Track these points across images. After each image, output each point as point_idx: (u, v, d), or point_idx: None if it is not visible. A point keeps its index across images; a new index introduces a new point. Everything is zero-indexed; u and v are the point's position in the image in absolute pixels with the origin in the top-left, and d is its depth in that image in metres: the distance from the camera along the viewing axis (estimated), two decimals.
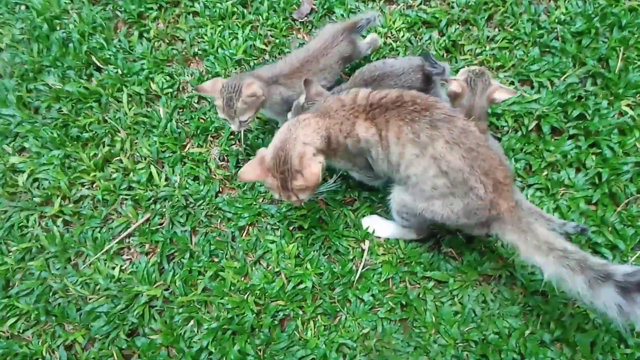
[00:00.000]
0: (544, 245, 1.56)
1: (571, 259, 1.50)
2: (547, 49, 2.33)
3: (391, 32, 2.50)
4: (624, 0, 2.35)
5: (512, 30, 2.40)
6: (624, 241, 1.95)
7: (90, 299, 2.22)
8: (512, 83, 2.29)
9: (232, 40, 2.61)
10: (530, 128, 2.19)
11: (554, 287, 1.56)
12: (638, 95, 2.17)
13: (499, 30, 2.43)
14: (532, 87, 2.28)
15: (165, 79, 2.58)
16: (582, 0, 2.39)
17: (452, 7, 2.51)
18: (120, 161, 2.45)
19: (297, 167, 1.78)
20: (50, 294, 2.25)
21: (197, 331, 2.10)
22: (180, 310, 2.14)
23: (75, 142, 2.49)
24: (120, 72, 2.61)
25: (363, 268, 2.10)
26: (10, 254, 2.35)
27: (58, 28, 2.80)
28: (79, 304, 2.22)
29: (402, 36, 2.48)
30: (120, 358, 2.11)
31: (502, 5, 2.45)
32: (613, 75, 2.20)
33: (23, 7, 2.93)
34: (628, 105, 2.16)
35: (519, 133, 2.20)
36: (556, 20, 2.36)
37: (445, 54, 2.42)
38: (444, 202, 1.69)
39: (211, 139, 2.47)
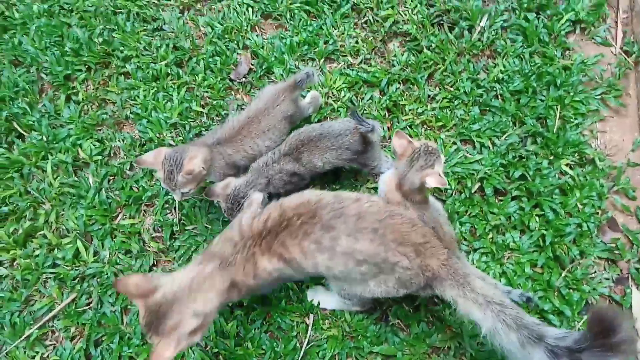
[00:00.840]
0: (482, 299, 1.60)
1: (508, 315, 1.55)
2: (487, 108, 2.46)
3: (332, 92, 2.59)
4: (558, 59, 2.51)
5: (452, 89, 2.53)
6: (569, 306, 2.02)
7: None
8: (454, 143, 2.39)
9: (166, 102, 2.64)
10: (473, 190, 2.28)
11: (489, 341, 1.60)
12: (576, 154, 2.30)
13: (440, 89, 2.55)
14: (474, 147, 2.39)
15: (94, 145, 2.57)
16: (519, 59, 2.54)
17: (393, 66, 2.62)
18: (44, 236, 2.39)
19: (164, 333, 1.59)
20: None
21: None
22: None
23: None
24: (45, 138, 2.58)
25: (307, 345, 2.10)
26: None
27: None
28: None
29: (343, 96, 2.57)
30: None
31: (441, 63, 2.59)
32: (552, 135, 2.33)
33: None
34: (568, 164, 2.29)
35: (463, 195, 2.28)
36: (495, 79, 2.50)
37: (387, 114, 2.51)
38: (377, 282, 1.74)
39: (145, 207, 2.46)
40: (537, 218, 2.20)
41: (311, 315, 2.15)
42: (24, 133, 2.63)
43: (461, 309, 1.66)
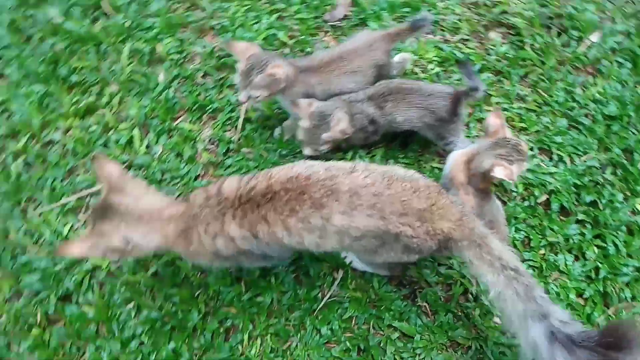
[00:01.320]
0: (497, 262, 1.44)
1: (520, 283, 1.41)
2: (575, 124, 2.21)
3: (421, 62, 2.35)
4: None
5: (544, 94, 2.27)
6: None
7: (29, 250, 2.00)
8: (531, 149, 2.15)
9: (254, 23, 2.44)
10: (539, 201, 2.04)
11: (493, 303, 1.49)
12: None
13: (531, 91, 2.29)
14: (551, 159, 2.14)
15: (174, 44, 2.39)
16: (621, 85, 2.27)
17: (489, 54, 2.37)
18: (103, 115, 2.24)
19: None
20: None
21: (135, 316, 1.89)
22: (123, 289, 1.93)
23: (61, 83, 2.28)
24: (128, 24, 2.40)
25: (329, 298, 1.92)
26: None
27: None
28: (15, 253, 2.00)
29: (432, 69, 2.33)
30: (44, 321, 1.90)
31: (540, 66, 2.33)
32: (635, 170, 2.08)
33: None
34: None
35: (527, 202, 2.05)
36: (591, 98, 2.24)
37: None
38: (384, 251, 1.53)
39: (206, 118, 2.28)
40: (595, 249, 1.96)
41: (340, 271, 1.97)
42: (110, 13, 2.46)
43: (474, 270, 1.48)
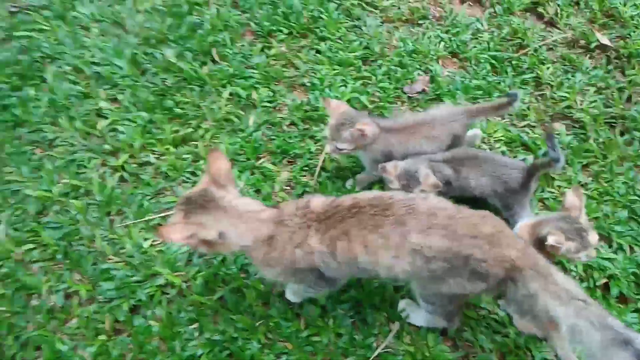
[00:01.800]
0: (564, 293, 1.38)
1: (591, 313, 1.34)
2: (636, 217, 2.14)
3: (489, 139, 2.37)
4: None
5: (606, 185, 2.23)
6: None
7: (109, 259, 2.01)
8: None
9: (341, 86, 2.52)
10: (598, 284, 1.95)
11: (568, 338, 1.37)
12: None
13: (592, 180, 2.26)
14: (610, 247, 2.07)
15: (267, 94, 2.49)
16: None
17: None
18: (196, 146, 2.31)
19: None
20: (77, 237, 2.06)
21: (197, 337, 1.85)
22: (190, 308, 1.90)
23: (165, 113, 2.39)
24: (232, 70, 2.54)
25: (384, 349, 1.84)
26: (60, 184, 2.19)
27: (195, 13, 2.79)
28: (97, 259, 2.02)
29: (498, 147, 2.34)
30: (111, 328, 1.87)
31: (602, 159, 2.31)
32: None
33: None
34: None
35: (585, 284, 1.96)
36: None
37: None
38: (451, 278, 1.47)
39: (286, 162, 2.32)
40: None
41: (397, 323, 1.90)
42: (217, 60, 2.61)
43: (541, 303, 1.40)
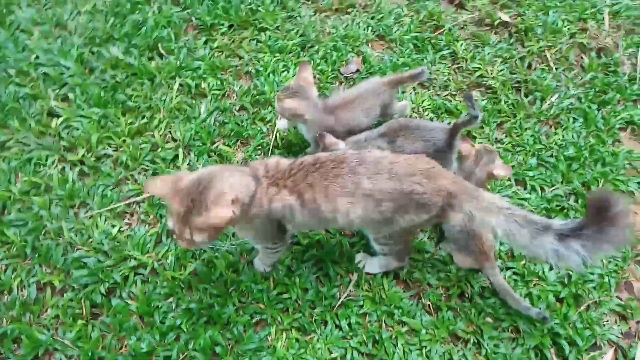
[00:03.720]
0: (493, 206, 1.50)
1: (517, 215, 1.46)
2: (543, 162, 2.35)
3: (418, 108, 2.50)
4: (608, 144, 2.43)
5: (517, 138, 2.43)
6: (581, 339, 1.85)
7: (78, 249, 1.94)
8: (509, 180, 2.27)
9: (283, 71, 2.55)
10: None
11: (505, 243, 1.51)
12: None
13: (506, 136, 2.45)
14: (525, 188, 2.26)
15: (216, 83, 2.47)
16: (577, 134, 2.46)
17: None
18: (152, 136, 2.26)
19: (209, 201, 1.38)
20: (43, 232, 1.96)
21: (174, 309, 1.83)
22: (164, 284, 1.88)
23: (118, 107, 2.31)
24: (179, 63, 2.49)
25: (346, 297, 1.92)
26: (17, 184, 2.07)
27: (137, 12, 2.70)
28: (67, 251, 1.94)
29: (427, 115, 2.47)
30: (88, 313, 1.81)
31: (512, 117, 2.50)
32: None
33: None
34: None
35: None
36: (553, 143, 2.41)
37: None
38: (400, 215, 1.57)
39: (240, 144, 2.32)
40: None
41: (355, 274, 1.98)
42: (164, 54, 2.55)
43: (478, 220, 1.52)
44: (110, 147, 2.21)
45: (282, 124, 2.23)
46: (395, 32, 2.79)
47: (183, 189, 1.40)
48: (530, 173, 2.29)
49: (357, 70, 2.62)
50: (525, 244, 1.46)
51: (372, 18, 2.87)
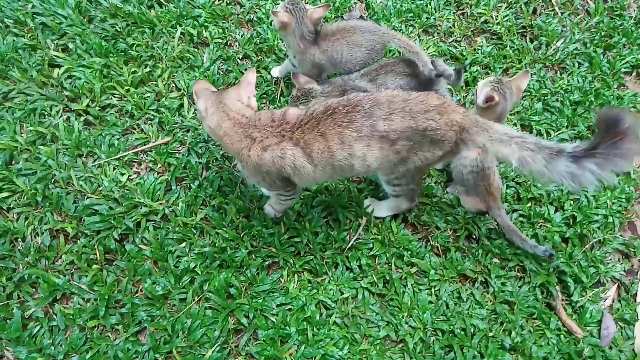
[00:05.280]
0: (505, 136, 1.43)
1: (529, 143, 1.40)
2: (548, 107, 2.25)
3: None
4: (613, 88, 2.32)
5: None
6: (586, 276, 1.82)
7: (89, 197, 1.86)
8: (515, 124, 2.18)
9: None
10: None
11: (520, 172, 1.45)
12: None
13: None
14: (531, 132, 2.18)
15: (218, 31, 2.32)
16: (582, 79, 2.34)
17: (477, 52, 2.40)
18: (156, 85, 2.13)
19: None
20: (52, 181, 1.87)
21: (188, 253, 1.78)
22: (177, 229, 1.81)
23: (119, 56, 2.16)
24: (179, 11, 2.32)
25: (356, 240, 1.86)
26: (23, 134, 1.96)
27: None
28: (77, 198, 1.86)
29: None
30: (102, 258, 1.75)
31: (517, 63, 2.38)
32: None
33: None
34: None
35: None
36: (559, 88, 2.30)
37: (464, 86, 2.29)
38: (414, 152, 1.49)
39: None
40: (571, 202, 1.99)
41: (364, 218, 1.92)
42: (163, 2, 2.36)
43: (490, 151, 1.46)
44: (114, 96, 2.08)
45: (277, 70, 2.10)
46: None
47: None
48: (536, 118, 2.20)
49: (361, 17, 2.46)
50: (540, 170, 1.39)
51: None
